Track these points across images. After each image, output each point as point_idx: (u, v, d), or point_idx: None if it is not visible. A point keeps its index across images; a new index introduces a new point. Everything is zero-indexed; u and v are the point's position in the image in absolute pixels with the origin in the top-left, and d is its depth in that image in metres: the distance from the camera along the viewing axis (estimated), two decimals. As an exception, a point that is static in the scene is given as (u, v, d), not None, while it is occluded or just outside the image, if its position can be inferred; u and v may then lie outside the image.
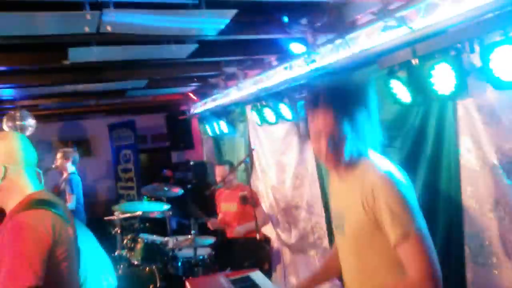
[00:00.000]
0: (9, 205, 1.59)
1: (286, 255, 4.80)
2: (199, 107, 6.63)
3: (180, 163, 8.11)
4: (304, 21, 3.36)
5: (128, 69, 4.60)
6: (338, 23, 3.21)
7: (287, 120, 4.16)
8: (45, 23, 2.69)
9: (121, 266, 3.98)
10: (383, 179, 1.44)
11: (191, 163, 7.19)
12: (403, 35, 2.46)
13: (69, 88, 5.04)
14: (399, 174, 1.49)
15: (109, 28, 2.76)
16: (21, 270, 1.35)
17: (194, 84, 6.10)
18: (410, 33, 2.41)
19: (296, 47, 3.71)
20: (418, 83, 2.50)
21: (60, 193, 5.09)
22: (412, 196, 1.45)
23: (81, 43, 3.21)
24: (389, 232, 1.41)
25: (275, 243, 4.91)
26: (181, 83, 5.97)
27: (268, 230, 4.81)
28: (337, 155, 1.49)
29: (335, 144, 1.47)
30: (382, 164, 1.51)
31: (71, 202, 4.96)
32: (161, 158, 8.82)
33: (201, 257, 3.92)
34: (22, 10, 2.46)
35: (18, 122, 4.84)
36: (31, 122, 4.94)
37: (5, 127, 4.88)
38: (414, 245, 1.37)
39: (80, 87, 5.09)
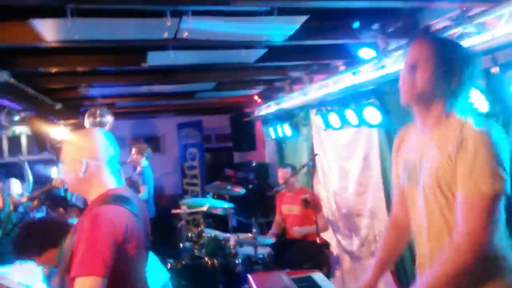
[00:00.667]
0: (90, 198, 1.71)
1: (346, 261, 4.75)
2: (263, 110, 6.75)
3: (242, 163, 8.29)
4: (375, 26, 3.32)
5: (198, 72, 4.82)
6: (412, 28, 3.13)
7: (353, 126, 4.11)
8: (127, 29, 2.92)
9: (186, 257, 4.20)
10: (481, 134, 1.37)
11: (253, 164, 7.32)
12: (482, 42, 2.35)
13: (144, 88, 5.40)
14: (499, 134, 1.39)
15: (185, 34, 2.93)
16: (92, 259, 1.44)
17: (259, 87, 6.24)
18: (490, 40, 2.30)
19: (365, 53, 3.67)
20: (498, 92, 2.37)
21: (133, 184, 5.46)
22: (506, 159, 1.36)
23: (158, 47, 3.44)
24: (461, 185, 1.35)
25: (334, 249, 4.87)
26: (247, 86, 6.13)
27: (328, 235, 4.79)
28: (414, 87, 1.47)
29: (420, 77, 1.46)
30: (480, 121, 1.43)
31: (143, 193, 5.32)
32: (223, 158, 9.08)
33: (261, 256, 4.00)
34: (107, 17, 2.68)
35: (98, 119, 5.25)
36: (109, 119, 5.34)
37: (86, 122, 5.33)
38: (477, 207, 1.32)
39: (154, 88, 5.44)
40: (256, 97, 6.90)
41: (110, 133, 1.81)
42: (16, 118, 5.03)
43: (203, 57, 3.88)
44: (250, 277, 2.72)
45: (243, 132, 7.85)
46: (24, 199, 1.82)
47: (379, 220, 4.16)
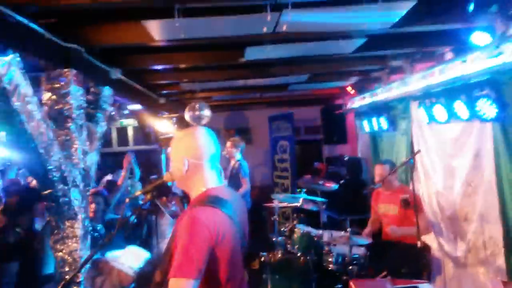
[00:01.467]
0: (191, 195, 1.79)
1: (449, 267, 4.37)
2: (356, 102, 6.49)
3: (334, 157, 8.10)
4: (494, 8, 2.95)
5: (293, 64, 4.77)
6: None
7: (462, 120, 3.74)
8: (228, 26, 2.97)
9: (279, 251, 4.22)
10: None
11: (346, 158, 7.10)
12: None
13: (240, 82, 5.52)
14: None
15: (284, 28, 2.89)
16: (187, 262, 1.50)
17: (353, 78, 6.01)
18: None
19: (479, 38, 3.30)
20: None
21: (232, 177, 5.65)
22: None
23: (256, 42, 3.46)
24: None
25: (436, 253, 4.52)
26: (341, 77, 5.94)
27: (428, 238, 4.45)
28: None
29: None
30: None
31: (246, 185, 5.46)
32: (313, 151, 8.97)
33: (355, 256, 3.86)
34: (209, 15, 2.76)
35: (197, 112, 5.50)
36: (207, 112, 5.56)
37: (186, 116, 5.62)
38: None
39: (249, 81, 5.53)
40: (349, 89, 6.66)
41: (212, 132, 1.85)
42: (126, 111, 5.49)
43: (299, 49, 3.82)
44: (351, 283, 2.62)
45: (334, 125, 7.65)
46: (138, 193, 1.92)
47: (489, 225, 3.74)
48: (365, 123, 6.13)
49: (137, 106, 5.71)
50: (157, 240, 4.15)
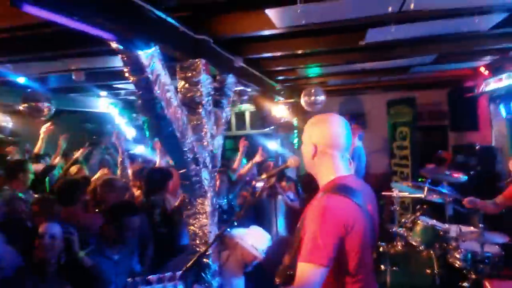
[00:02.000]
0: (321, 182, 1.77)
1: None
2: (491, 84, 5.78)
3: (462, 146, 7.37)
4: None
5: (418, 45, 4.43)
6: None
7: None
8: (350, 8, 2.88)
9: (399, 243, 4.03)
10: None
11: (477, 147, 6.41)
12: None
13: (357, 66, 5.34)
14: None
15: (412, 6, 2.70)
16: (316, 248, 1.50)
17: (488, 57, 5.34)
18: None
19: None
20: None
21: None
22: None
23: (380, 23, 3.30)
24: None
25: None
26: (473, 57, 5.33)
27: None
28: None
29: None
30: None
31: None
32: (436, 138, 8.27)
33: (488, 254, 3.50)
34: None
35: (312, 98, 5.51)
36: (322, 97, 5.53)
37: (302, 101, 5.66)
38: None
39: (368, 65, 5.32)
40: (482, 69, 5.95)
41: (347, 123, 1.81)
42: (245, 97, 5.75)
43: (427, 28, 3.54)
44: (487, 283, 2.39)
45: (463, 110, 6.95)
46: (264, 176, 2.00)
47: None
48: (502, 107, 5.44)
49: (254, 92, 5.94)
50: (275, 222, 4.30)
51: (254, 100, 6.43)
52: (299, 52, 4.50)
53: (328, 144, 1.75)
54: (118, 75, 5.22)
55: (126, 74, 2.43)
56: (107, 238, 2.90)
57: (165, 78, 2.56)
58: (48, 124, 4.70)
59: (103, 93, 6.56)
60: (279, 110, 6.43)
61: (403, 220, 4.24)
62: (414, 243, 3.93)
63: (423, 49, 4.58)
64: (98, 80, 5.37)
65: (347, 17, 3.06)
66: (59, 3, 1.69)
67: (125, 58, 2.33)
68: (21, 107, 4.49)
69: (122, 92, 6.79)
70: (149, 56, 2.38)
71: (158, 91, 2.50)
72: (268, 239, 3.16)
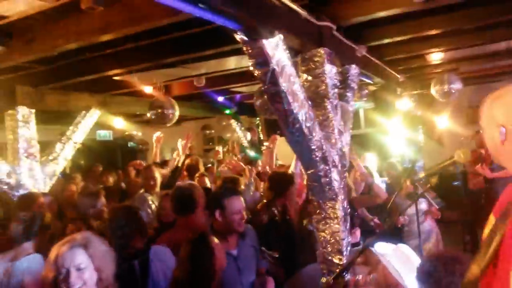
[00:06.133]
0: None
1: None
2: None
3: None
4: None
5: None
6: None
7: None
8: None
9: None
10: None
11: None
12: None
13: (501, 45, 4.53)
14: None
15: None
16: None
17: None
18: None
19: None
20: None
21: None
22: None
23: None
24: None
25: None
26: None
27: None
28: None
29: None
30: None
31: None
32: None
33: None
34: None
35: (446, 86, 4.82)
36: (458, 85, 4.80)
37: (433, 90, 5.00)
38: None
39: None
40: None
41: None
42: (364, 91, 5.30)
43: None
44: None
45: None
46: (421, 174, 1.61)
47: None
48: None
49: (372, 86, 5.46)
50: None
51: (374, 94, 5.92)
52: (432, 32, 3.94)
53: None
54: (235, 77, 5.27)
55: (251, 68, 2.25)
56: (219, 232, 2.73)
57: (290, 69, 2.33)
58: (158, 133, 4.87)
59: (220, 98, 6.70)
60: (404, 103, 5.80)
61: None
62: None
63: None
64: (216, 85, 5.47)
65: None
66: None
67: (250, 50, 2.16)
68: (148, 114, 4.73)
69: (238, 96, 6.89)
70: (274, 45, 2.18)
71: (284, 84, 2.28)
72: (417, 265, 2.52)
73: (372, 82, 4.82)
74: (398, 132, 6.37)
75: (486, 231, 1.35)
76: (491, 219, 1.39)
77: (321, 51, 2.77)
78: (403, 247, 2.55)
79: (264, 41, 2.10)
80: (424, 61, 5.13)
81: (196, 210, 2.87)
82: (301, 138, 2.54)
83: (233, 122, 7.87)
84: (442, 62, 5.45)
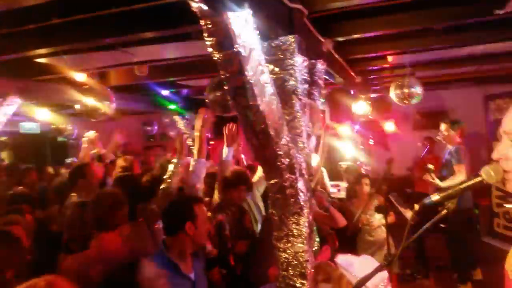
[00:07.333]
0: None
1: None
2: None
3: None
4: None
5: None
6: None
7: None
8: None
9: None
10: None
11: None
12: None
13: (452, 53, 4.40)
14: None
15: None
16: None
17: None
18: None
19: None
20: None
21: (445, 165, 4.66)
22: None
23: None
24: None
25: None
26: None
27: None
28: None
29: None
30: None
31: (459, 174, 4.43)
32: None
33: None
34: None
35: (406, 90, 4.63)
36: (419, 89, 4.63)
37: (392, 94, 4.80)
38: None
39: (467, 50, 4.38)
40: None
41: None
42: (324, 91, 4.97)
43: None
44: None
45: None
46: (436, 197, 1.23)
47: None
48: None
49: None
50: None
51: (331, 95, 5.65)
52: (399, 31, 3.67)
53: None
54: (182, 67, 4.70)
55: (209, 49, 1.76)
56: (177, 252, 2.23)
57: (259, 55, 1.87)
58: (92, 132, 4.23)
59: (165, 92, 6.08)
60: (359, 106, 5.59)
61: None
62: None
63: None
64: (160, 76, 4.87)
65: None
66: None
67: (210, 25, 1.67)
68: (77, 106, 4.04)
69: (185, 90, 6.31)
70: (242, 22, 1.70)
71: (251, 73, 1.81)
72: (384, 276, 2.32)
73: (333, 81, 4.50)
74: (351, 135, 6.16)
75: None
76: None
77: (292, 39, 2.34)
78: (367, 259, 2.36)
79: (230, 15, 1.62)
80: (384, 63, 4.92)
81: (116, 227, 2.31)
82: (266, 141, 2.09)
83: (179, 119, 7.26)
84: (399, 66, 5.28)
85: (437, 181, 4.75)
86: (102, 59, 4.12)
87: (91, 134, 4.43)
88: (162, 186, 3.14)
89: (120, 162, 4.07)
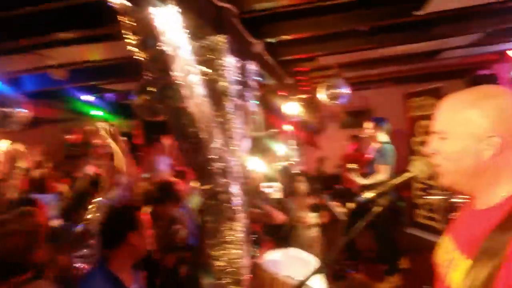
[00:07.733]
0: (483, 199, 1.09)
1: None
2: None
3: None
4: None
5: (472, 19, 3.73)
6: None
7: None
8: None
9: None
10: None
11: None
12: None
13: (375, 54, 4.62)
14: None
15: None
16: None
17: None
18: None
19: None
20: None
21: (370, 164, 4.82)
22: None
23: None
24: None
25: None
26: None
27: None
28: None
29: None
30: None
31: (381, 174, 4.59)
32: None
33: None
34: None
35: (335, 91, 4.77)
36: (347, 90, 4.79)
37: (321, 95, 4.92)
38: None
39: (389, 51, 4.61)
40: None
41: None
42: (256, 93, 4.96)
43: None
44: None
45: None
46: (369, 195, 1.23)
47: None
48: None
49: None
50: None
51: (263, 96, 5.65)
52: (327, 32, 3.76)
53: None
54: (105, 70, 4.42)
55: (133, 48, 1.62)
56: (118, 265, 2.05)
57: (187, 54, 1.77)
58: (6, 144, 3.79)
59: (87, 97, 5.68)
60: (292, 107, 5.66)
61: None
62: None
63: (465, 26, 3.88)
64: (83, 80, 4.53)
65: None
66: None
67: (134, 23, 1.54)
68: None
69: (110, 94, 5.96)
70: (166, 19, 1.59)
71: (179, 73, 1.71)
72: (315, 264, 2.27)
73: (265, 83, 4.50)
74: (284, 136, 6.23)
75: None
76: (457, 257, 1.09)
77: (222, 39, 2.26)
78: (291, 251, 2.37)
79: (154, 11, 1.50)
80: (314, 64, 5.03)
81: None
82: (196, 145, 1.99)
83: (102, 126, 6.80)
84: (327, 67, 5.44)
85: (358, 179, 4.87)
86: (15, 63, 3.75)
87: (5, 145, 3.94)
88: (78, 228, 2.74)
89: (34, 174, 3.66)
